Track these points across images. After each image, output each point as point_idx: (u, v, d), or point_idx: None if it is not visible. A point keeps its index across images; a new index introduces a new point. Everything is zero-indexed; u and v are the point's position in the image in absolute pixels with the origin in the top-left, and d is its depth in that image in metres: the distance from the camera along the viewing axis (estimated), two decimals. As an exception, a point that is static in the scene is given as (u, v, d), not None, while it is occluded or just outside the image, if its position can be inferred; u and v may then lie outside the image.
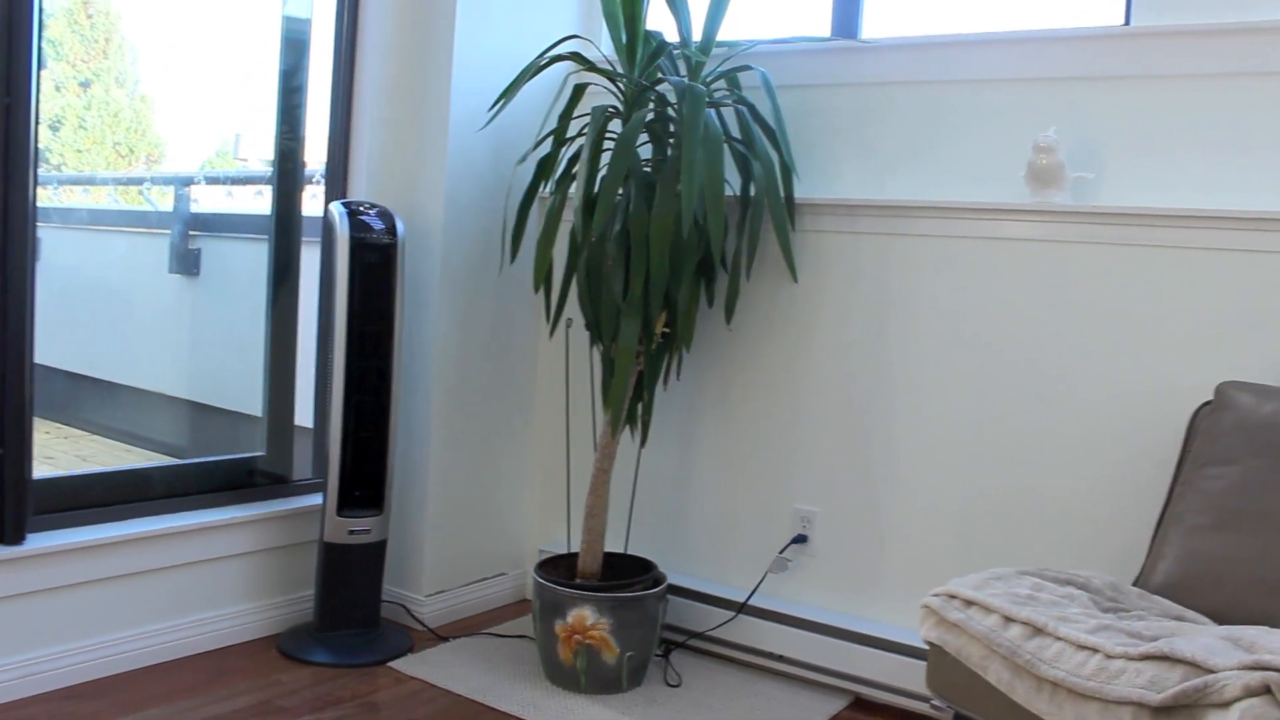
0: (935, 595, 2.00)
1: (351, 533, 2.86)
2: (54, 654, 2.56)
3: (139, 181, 3.30)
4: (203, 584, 2.85)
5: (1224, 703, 1.57)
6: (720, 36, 2.88)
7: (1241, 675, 1.57)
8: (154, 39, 3.16)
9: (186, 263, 3.27)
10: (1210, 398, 2.28)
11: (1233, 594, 2.00)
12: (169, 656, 2.78)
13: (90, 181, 3.19)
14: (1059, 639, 1.81)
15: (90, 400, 3.28)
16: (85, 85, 3.05)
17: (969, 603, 1.95)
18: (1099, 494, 2.52)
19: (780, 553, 2.96)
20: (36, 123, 2.46)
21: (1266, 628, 1.84)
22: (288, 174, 3.06)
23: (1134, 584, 2.15)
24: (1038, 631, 1.84)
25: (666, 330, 2.77)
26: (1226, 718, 1.55)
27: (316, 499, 3.07)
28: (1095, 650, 1.76)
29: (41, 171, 2.53)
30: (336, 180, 3.15)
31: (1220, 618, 1.99)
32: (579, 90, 2.88)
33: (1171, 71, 2.46)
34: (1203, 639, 1.73)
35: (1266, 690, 1.55)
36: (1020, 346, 2.62)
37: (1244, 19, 2.39)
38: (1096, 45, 2.54)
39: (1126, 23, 2.58)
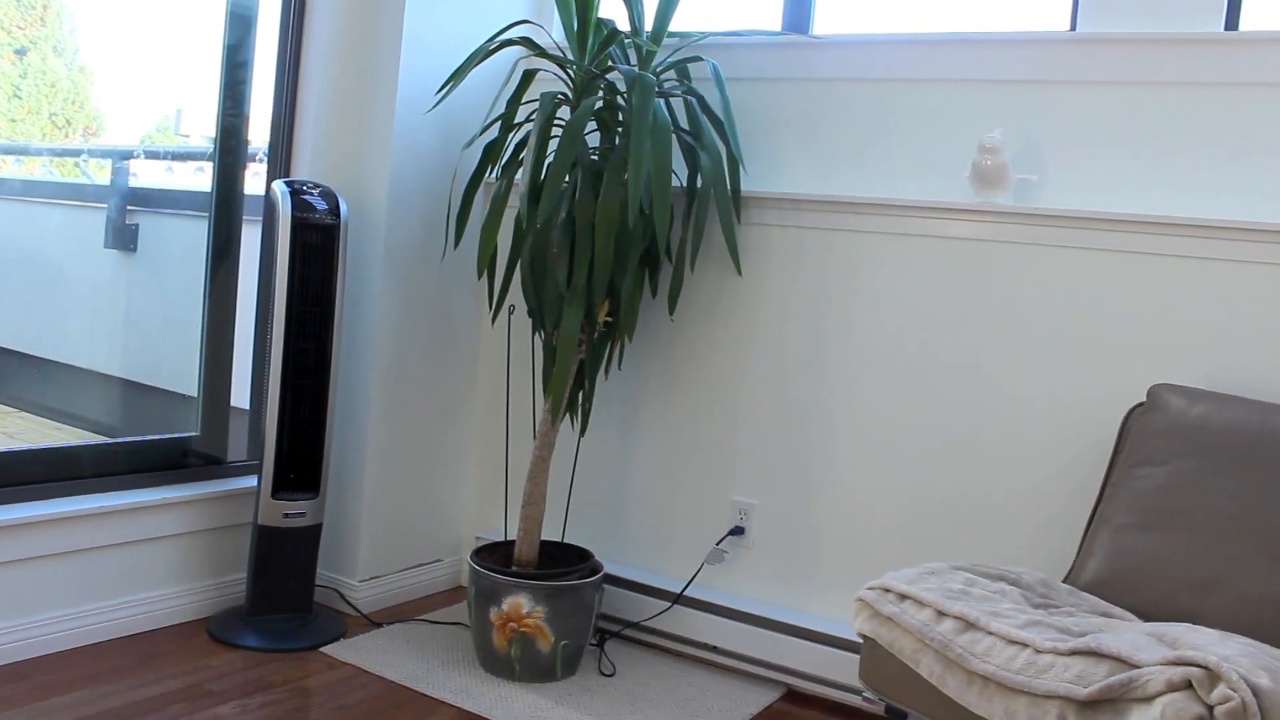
0: (870, 589, 2.02)
1: (286, 516, 2.83)
2: (-24, 633, 2.51)
3: (76, 153, 3.23)
4: (132, 565, 2.80)
5: (1148, 697, 1.60)
6: (672, 27, 2.88)
7: (1165, 671, 1.61)
8: (94, 7, 3.09)
9: (123, 238, 3.21)
10: (1143, 400, 2.32)
11: (1159, 592, 2.04)
12: (96, 639, 2.73)
13: (24, 151, 3.12)
14: (990, 634, 1.84)
15: (19, 376, 3.21)
16: (21, 53, 2.98)
17: (903, 596, 1.97)
18: (1034, 492, 2.56)
19: (717, 544, 2.97)
20: (-31, 89, 2.40)
21: (1190, 625, 1.88)
22: (230, 150, 3.02)
23: (1064, 581, 2.18)
24: (970, 626, 1.87)
25: (609, 319, 2.77)
26: (1150, 712, 1.58)
27: (251, 481, 3.03)
28: (1025, 645, 1.78)
29: (-27, 139, 2.47)
30: (280, 158, 3.11)
31: (1146, 615, 2.03)
32: (528, 76, 2.86)
33: (1115, 78, 2.50)
34: (1129, 635, 1.76)
35: (1188, 685, 1.58)
36: (959, 345, 2.64)
37: (1184, 30, 2.43)
38: (1043, 49, 2.57)
39: (1073, 29, 2.62)
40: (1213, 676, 1.57)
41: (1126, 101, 2.49)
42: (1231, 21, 2.45)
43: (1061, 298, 2.52)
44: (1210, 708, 1.55)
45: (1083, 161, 2.54)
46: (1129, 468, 2.20)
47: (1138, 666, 1.64)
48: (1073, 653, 1.72)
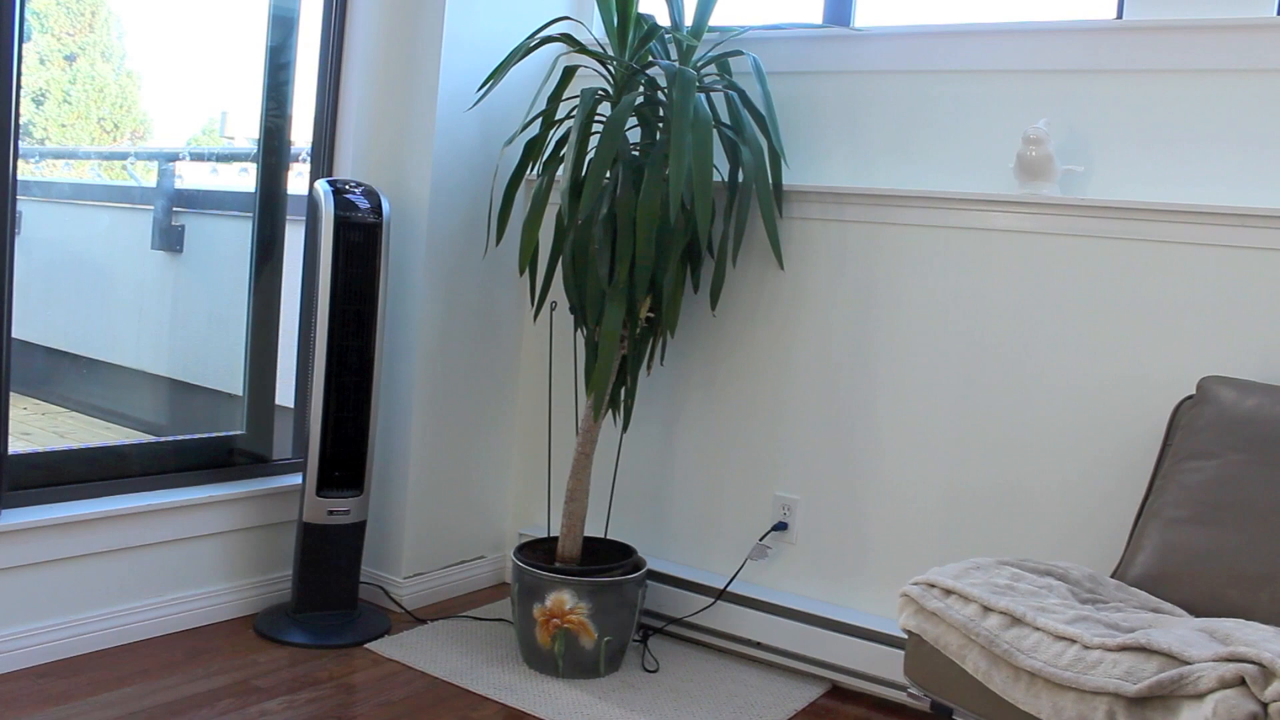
0: (914, 584, 2.00)
1: (331, 513, 2.85)
2: (28, 631, 2.54)
3: (123, 156, 3.27)
4: (180, 562, 2.83)
5: (1199, 694, 1.58)
6: (712, 21, 2.87)
7: (1216, 667, 1.58)
8: (141, 13, 3.13)
9: (170, 239, 3.24)
10: (1192, 392, 2.28)
11: (1209, 587, 2.00)
12: (145, 635, 2.76)
13: (73, 155, 3.16)
14: (1037, 629, 1.81)
15: (69, 376, 3.25)
16: (70, 59, 3.02)
17: (948, 591, 1.95)
18: (1081, 486, 2.52)
19: (760, 540, 2.96)
20: (19, 95, 2.44)
21: (1242, 620, 1.84)
22: (273, 151, 3.04)
23: (1112, 576, 2.15)
24: (1016, 621, 1.84)
25: (651, 315, 2.76)
26: (1201, 709, 1.55)
27: (296, 479, 3.06)
28: (1073, 640, 1.76)
29: (24, 144, 2.50)
30: (322, 158, 3.13)
31: (1197, 610, 1.99)
32: (569, 72, 2.87)
33: (1162, 66, 2.46)
34: (1179, 631, 1.73)
35: (1240, 682, 1.55)
36: (1005, 338, 2.61)
37: (1234, 15, 2.39)
38: (1088, 38, 2.54)
39: (1119, 16, 2.58)
40: (1267, 673, 1.54)
41: (1175, 90, 2.45)
42: (1283, 6, 2.40)
43: (1109, 289, 2.49)
44: (1264, 705, 1.52)
45: (1130, 152, 2.50)
46: (1178, 461, 2.16)
47: (1189, 663, 1.61)
48: (1122, 648, 1.70)
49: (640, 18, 2.79)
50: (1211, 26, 2.39)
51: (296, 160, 3.11)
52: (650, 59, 2.80)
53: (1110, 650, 1.71)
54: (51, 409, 3.24)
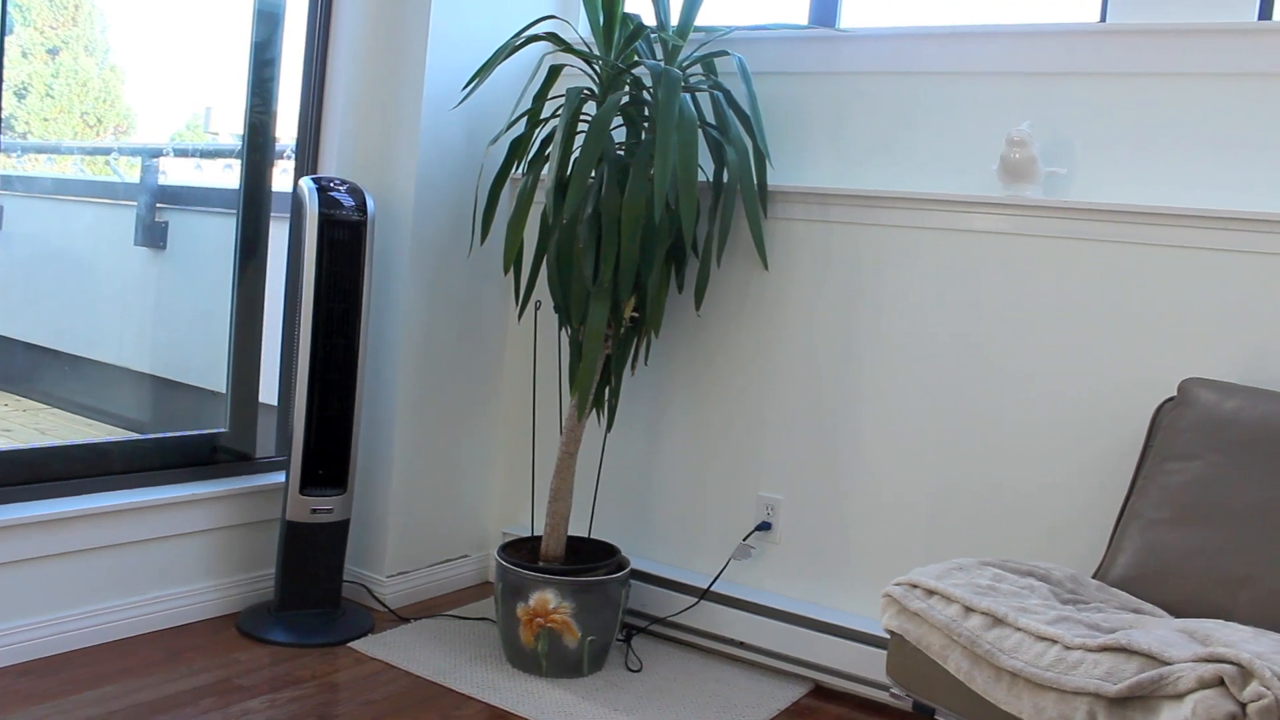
0: (897, 584, 2.01)
1: (314, 511, 2.84)
2: (8, 629, 2.53)
3: (106, 151, 3.25)
4: (162, 561, 2.82)
5: (1178, 694, 1.59)
6: (698, 21, 2.87)
7: (1196, 667, 1.59)
8: (124, 7, 3.12)
9: (153, 235, 3.23)
10: (1174, 394, 2.30)
11: (1190, 588, 2.01)
12: (126, 634, 2.75)
13: (56, 150, 3.15)
14: (1018, 629, 1.82)
15: (51, 373, 3.24)
16: (53, 52, 3.00)
17: (930, 592, 1.96)
18: (1063, 486, 2.54)
19: (744, 540, 2.96)
20: (0, 89, 2.42)
21: (1222, 621, 1.86)
22: (258, 148, 3.03)
23: (1094, 576, 2.16)
24: (998, 622, 1.85)
25: (635, 315, 2.76)
26: (1181, 709, 1.57)
27: (279, 477, 3.05)
28: (1054, 641, 1.77)
29: (5, 138, 2.49)
30: (307, 155, 3.12)
31: (1177, 611, 2.01)
32: (554, 71, 2.86)
33: (1145, 69, 2.47)
34: (1159, 631, 1.74)
35: (1220, 682, 1.56)
36: (988, 339, 2.63)
37: (1217, 19, 2.40)
38: (1072, 41, 2.55)
39: (1102, 19, 2.59)
40: (1245, 674, 1.55)
41: (1158, 93, 2.46)
42: (1265, 11, 2.41)
43: (1091, 291, 2.50)
44: (1243, 705, 1.53)
45: (1112, 154, 2.51)
46: (1159, 462, 2.18)
47: (1169, 663, 1.62)
48: (1102, 649, 1.71)
49: (626, 17, 2.79)
50: (1194, 30, 2.41)
51: (281, 157, 3.10)
52: (636, 58, 2.80)
53: (1091, 651, 1.72)
54: (33, 405, 3.22)
